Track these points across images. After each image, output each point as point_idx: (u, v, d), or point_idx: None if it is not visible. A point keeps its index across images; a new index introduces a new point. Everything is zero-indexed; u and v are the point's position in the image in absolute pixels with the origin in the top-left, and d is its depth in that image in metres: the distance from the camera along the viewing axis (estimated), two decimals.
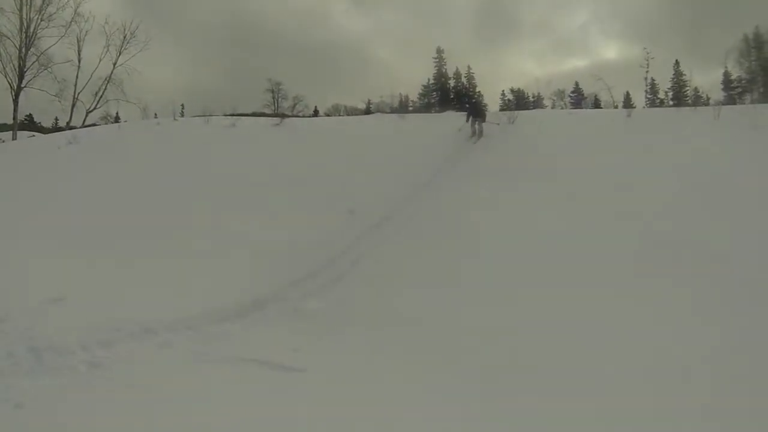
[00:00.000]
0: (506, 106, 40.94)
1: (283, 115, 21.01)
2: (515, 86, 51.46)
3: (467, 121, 14.67)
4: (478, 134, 14.39)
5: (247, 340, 5.33)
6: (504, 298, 6.18)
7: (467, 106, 15.23)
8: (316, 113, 37.65)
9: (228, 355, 4.89)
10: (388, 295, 6.41)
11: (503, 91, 50.67)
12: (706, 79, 64.66)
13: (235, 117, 18.43)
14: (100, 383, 4.30)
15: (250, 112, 26.59)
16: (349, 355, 5.00)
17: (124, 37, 30.61)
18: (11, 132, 28.14)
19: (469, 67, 48.81)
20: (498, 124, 14.70)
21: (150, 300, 5.90)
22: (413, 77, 75.53)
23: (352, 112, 38.55)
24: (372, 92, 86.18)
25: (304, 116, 26.74)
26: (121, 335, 5.09)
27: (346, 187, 10.32)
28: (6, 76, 27.72)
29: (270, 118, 20.20)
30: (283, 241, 8.07)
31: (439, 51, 48.27)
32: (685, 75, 42.26)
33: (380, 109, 36.01)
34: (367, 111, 38.38)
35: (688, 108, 18.11)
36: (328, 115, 35.41)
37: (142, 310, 5.56)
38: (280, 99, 30.63)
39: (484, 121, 14.62)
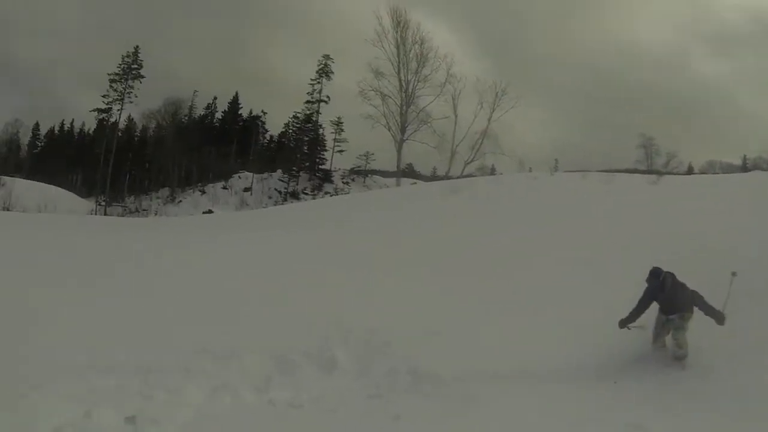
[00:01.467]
0: None
1: (659, 173, 19.04)
2: None
3: (634, 320, 5.45)
4: (673, 355, 5.39)
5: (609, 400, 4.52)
6: None
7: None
8: (690, 171, 32.46)
9: (594, 416, 4.10)
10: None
11: None
12: None
13: (610, 173, 17.70)
14: (473, 415, 4.11)
15: (623, 168, 24.51)
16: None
17: (496, 95, 33.15)
18: (395, 179, 33.97)
19: None
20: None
21: (524, 348, 5.48)
22: None
23: (727, 169, 33.24)
24: (745, 146, 70.45)
25: (678, 174, 23.61)
26: (497, 377, 4.91)
27: (726, 252, 7.43)
28: (390, 130, 33.45)
29: (644, 175, 18.64)
30: None
31: None
32: None
33: (757, 166, 29.29)
34: (744, 168, 32.99)
35: None
36: (703, 173, 30.47)
37: (514, 356, 5.29)
38: (653, 155, 27.91)
39: (684, 328, 5.34)
